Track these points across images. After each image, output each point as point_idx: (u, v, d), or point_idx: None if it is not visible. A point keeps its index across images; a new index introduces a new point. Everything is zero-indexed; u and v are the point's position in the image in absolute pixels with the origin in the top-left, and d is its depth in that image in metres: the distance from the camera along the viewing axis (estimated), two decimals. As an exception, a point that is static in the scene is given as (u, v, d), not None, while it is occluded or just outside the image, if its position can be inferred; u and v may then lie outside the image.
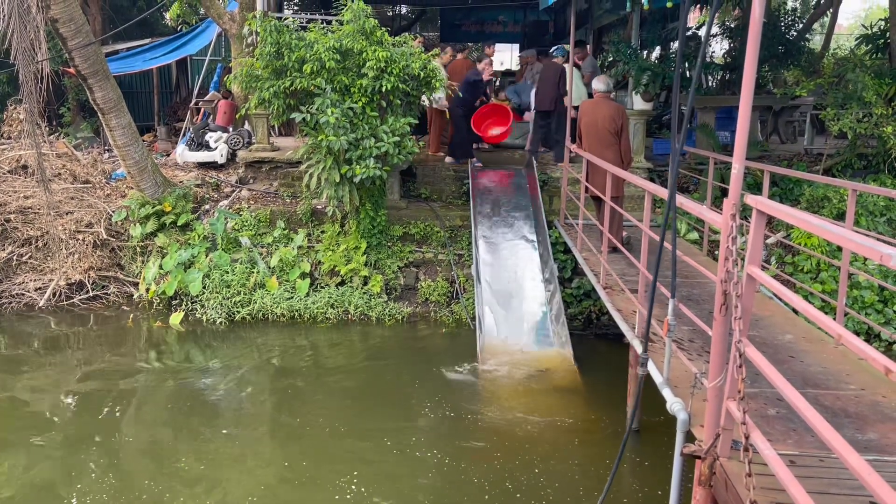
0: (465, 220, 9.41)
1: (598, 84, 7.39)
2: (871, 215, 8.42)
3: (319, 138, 8.05)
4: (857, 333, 7.24)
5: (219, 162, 11.36)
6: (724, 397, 3.02)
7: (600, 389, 6.73)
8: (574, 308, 8.51)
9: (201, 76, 15.08)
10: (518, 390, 6.74)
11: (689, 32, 13.48)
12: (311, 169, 8.50)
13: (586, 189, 7.61)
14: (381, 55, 8.11)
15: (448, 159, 10.38)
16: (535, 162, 10.13)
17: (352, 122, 8.14)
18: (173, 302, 8.88)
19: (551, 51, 10.71)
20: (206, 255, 9.08)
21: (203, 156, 11.42)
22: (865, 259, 7.80)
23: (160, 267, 9.03)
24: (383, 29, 8.51)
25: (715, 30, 13.93)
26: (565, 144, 8.87)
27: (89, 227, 9.64)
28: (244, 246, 9.22)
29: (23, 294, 9.08)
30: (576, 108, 8.98)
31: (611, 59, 12.33)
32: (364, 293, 8.68)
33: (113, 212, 9.87)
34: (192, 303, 8.73)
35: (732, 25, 13.48)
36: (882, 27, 10.97)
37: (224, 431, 5.98)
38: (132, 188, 10.06)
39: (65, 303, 9.03)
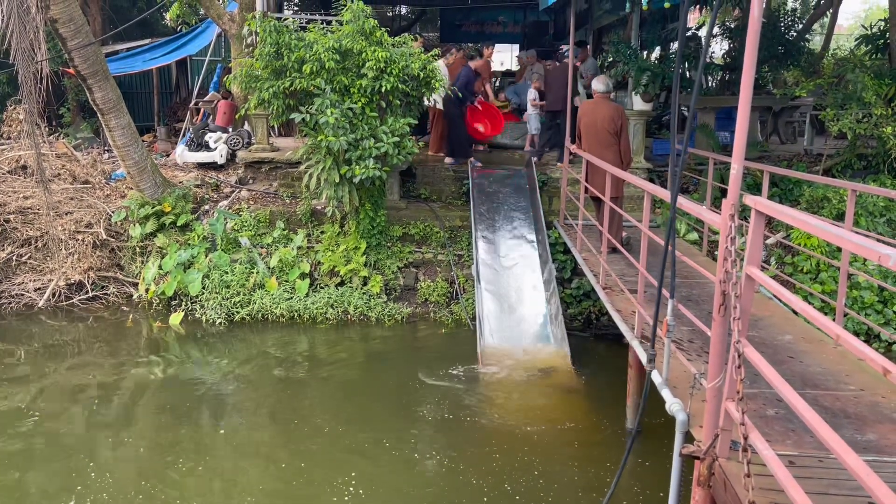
0: (464, 221, 9.41)
1: (598, 84, 7.39)
2: (870, 216, 8.42)
3: (319, 139, 8.05)
4: (857, 334, 7.24)
5: (218, 162, 11.36)
6: (723, 398, 3.01)
7: (599, 390, 6.73)
8: (573, 308, 8.50)
9: (201, 76, 15.08)
10: (517, 391, 6.74)
11: (689, 33, 13.47)
12: (311, 169, 8.50)
13: (586, 189, 7.61)
14: (380, 55, 8.11)
15: (448, 160, 10.39)
16: (534, 162, 10.13)
17: (351, 123, 8.14)
18: (173, 302, 8.87)
19: (562, 51, 10.76)
20: (206, 256, 9.08)
21: (203, 156, 11.42)
22: (865, 260, 7.80)
23: (160, 267, 9.03)
24: (383, 29, 8.51)
25: (715, 30, 13.92)
26: (565, 145, 8.88)
27: (89, 228, 9.64)
28: (244, 246, 9.21)
29: (22, 294, 9.08)
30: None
31: (610, 59, 12.32)
32: (363, 294, 8.68)
33: (112, 212, 9.87)
34: (191, 303, 8.73)
35: (732, 26, 13.47)
36: (882, 27, 10.97)
37: (222, 432, 5.97)
38: (132, 188, 10.06)
39: (64, 303, 9.03)
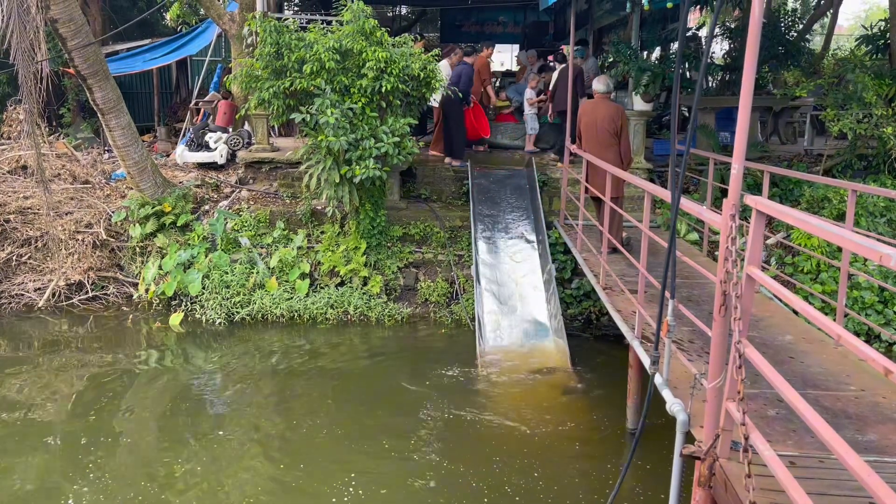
0: (464, 221, 9.40)
1: (598, 85, 7.39)
2: (871, 216, 8.41)
3: (319, 139, 8.05)
4: (857, 334, 7.23)
5: (218, 162, 11.36)
6: (724, 398, 3.01)
7: (599, 390, 6.73)
8: (574, 309, 8.50)
9: (201, 77, 15.08)
10: (517, 391, 6.74)
11: (689, 33, 13.47)
12: (311, 169, 8.50)
13: (586, 189, 7.61)
14: (380, 56, 8.10)
15: (448, 160, 10.38)
16: (534, 162, 10.13)
17: (351, 123, 8.13)
18: (173, 302, 8.87)
19: (564, 51, 10.75)
20: (206, 256, 9.08)
21: (203, 156, 11.41)
22: (865, 260, 7.79)
23: (160, 267, 9.03)
24: (383, 29, 8.51)
25: (715, 30, 13.91)
26: (565, 145, 8.87)
27: (89, 228, 9.64)
28: (244, 246, 9.21)
29: (22, 294, 9.08)
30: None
31: (611, 59, 12.32)
32: (364, 294, 8.68)
33: (112, 212, 9.86)
34: (191, 303, 8.73)
35: (732, 26, 13.46)
36: (882, 28, 10.97)
37: (221, 433, 5.96)
38: (132, 188, 10.06)
39: (64, 303, 9.02)
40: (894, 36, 10.37)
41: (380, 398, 6.66)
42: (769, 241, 8.55)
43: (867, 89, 8.94)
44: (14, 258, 9.34)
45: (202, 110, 13.62)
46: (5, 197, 9.95)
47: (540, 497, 5.00)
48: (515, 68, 17.96)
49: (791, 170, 9.20)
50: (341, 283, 8.85)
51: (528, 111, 10.96)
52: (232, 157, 11.49)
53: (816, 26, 18.39)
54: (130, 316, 8.74)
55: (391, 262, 8.98)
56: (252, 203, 10.05)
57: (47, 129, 12.05)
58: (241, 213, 9.69)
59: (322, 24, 8.91)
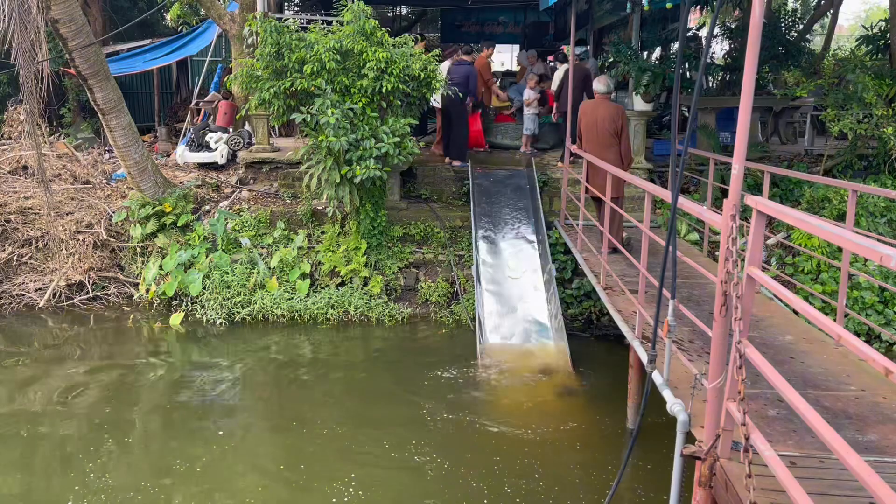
0: (465, 221, 9.41)
1: (599, 85, 7.39)
2: (871, 216, 8.42)
3: (320, 139, 8.06)
4: (858, 334, 7.23)
5: (219, 163, 11.36)
6: (725, 398, 3.01)
7: (600, 391, 6.73)
8: (574, 309, 8.50)
9: (202, 77, 15.09)
10: (517, 392, 6.74)
11: (689, 33, 13.47)
12: (312, 170, 8.50)
13: (586, 190, 7.61)
14: (381, 56, 8.11)
15: (449, 160, 10.37)
16: (534, 162, 10.14)
17: (352, 123, 8.14)
18: (173, 303, 8.87)
19: (577, 53, 10.77)
20: (207, 256, 9.08)
21: (203, 156, 11.42)
22: (866, 260, 7.80)
23: (160, 267, 9.03)
24: (383, 29, 8.51)
25: (715, 30, 13.92)
26: (566, 145, 8.88)
27: (89, 228, 9.64)
28: (244, 246, 9.22)
29: (23, 295, 9.08)
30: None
31: (611, 59, 12.33)
32: (364, 294, 8.68)
33: (113, 212, 9.87)
34: (192, 303, 8.73)
35: (732, 26, 13.47)
36: (882, 28, 10.97)
37: (220, 433, 5.96)
38: (132, 189, 10.06)
39: (65, 303, 9.03)
40: (895, 36, 10.37)
41: (380, 398, 6.67)
42: (769, 242, 8.55)
43: (867, 89, 8.95)
44: (15, 258, 9.35)
45: (203, 110, 13.63)
46: (6, 197, 9.96)
47: (540, 497, 5.00)
48: (516, 68, 17.95)
49: (791, 170, 9.20)
50: (342, 284, 8.86)
51: (527, 112, 10.96)
52: (232, 158, 11.49)
53: (817, 26, 18.40)
54: (131, 316, 8.75)
55: (392, 263, 8.99)
56: (252, 203, 10.06)
57: (48, 130, 12.06)
58: (241, 213, 9.70)
59: (322, 24, 8.91)
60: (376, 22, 8.46)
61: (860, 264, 7.59)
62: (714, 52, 15.51)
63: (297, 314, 8.50)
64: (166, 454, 5.63)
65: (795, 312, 5.50)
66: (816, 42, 20.11)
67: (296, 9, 19.33)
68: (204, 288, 8.72)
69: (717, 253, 7.88)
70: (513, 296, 8.11)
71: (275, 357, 7.61)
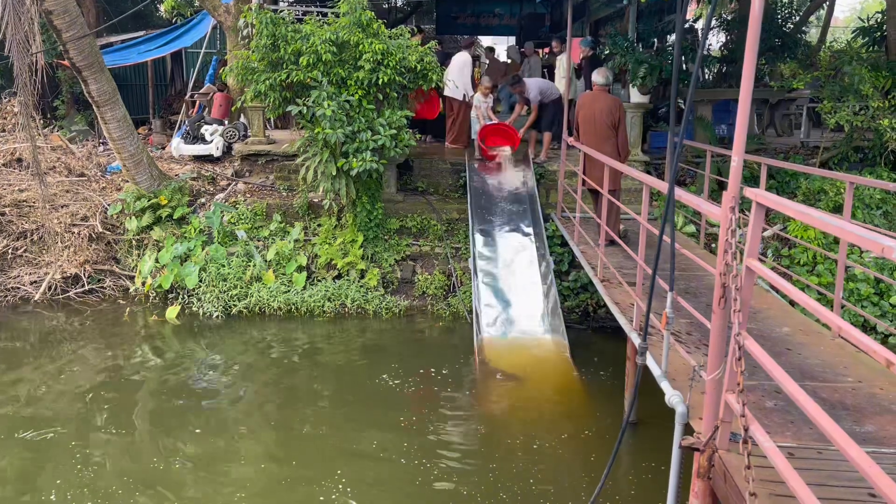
0: (461, 214, 9.40)
1: (597, 77, 7.37)
2: (867, 208, 8.43)
3: (316, 131, 8.03)
4: (853, 326, 7.26)
5: (214, 155, 11.32)
6: (723, 390, 3.02)
7: (598, 383, 6.75)
8: (571, 301, 8.51)
9: (196, 69, 15.01)
10: (515, 384, 6.75)
11: (687, 25, 13.45)
12: (308, 162, 8.47)
13: (583, 182, 7.61)
14: (377, 47, 8.08)
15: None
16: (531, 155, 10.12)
17: (348, 115, 8.11)
18: (169, 295, 8.86)
19: (579, 42, 10.72)
20: (203, 249, 9.05)
21: (199, 149, 11.38)
22: (862, 252, 7.82)
23: (156, 260, 9.00)
24: (380, 21, 8.48)
25: (712, 22, 13.89)
26: (562, 137, 8.86)
27: (85, 221, 9.61)
28: (240, 239, 9.19)
29: (18, 288, 9.05)
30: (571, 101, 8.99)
31: (607, 51, 12.30)
32: (361, 286, 8.67)
33: (108, 205, 9.83)
34: (188, 296, 8.71)
35: (729, 18, 13.46)
36: (878, 20, 10.97)
37: (216, 426, 5.96)
38: (127, 181, 10.03)
39: (60, 296, 9.00)
40: (891, 28, 10.37)
41: (376, 391, 6.66)
42: (765, 234, 8.56)
43: (864, 81, 8.94)
44: (10, 251, 9.31)
45: (198, 102, 13.58)
46: (1, 190, 9.91)
47: (540, 487, 5.02)
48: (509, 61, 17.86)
49: (787, 162, 9.21)
50: (338, 276, 8.85)
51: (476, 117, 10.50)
52: (228, 150, 11.45)
53: (813, 18, 18.41)
54: (127, 309, 8.73)
55: (388, 255, 8.98)
56: (248, 196, 10.03)
57: (42, 122, 11.99)
58: (237, 205, 9.67)
59: (318, 15, 8.87)
60: (372, 13, 8.42)
61: (856, 256, 7.61)
62: (711, 44, 15.50)
63: (293, 307, 8.49)
64: (160, 448, 5.61)
65: (792, 304, 5.51)
66: (812, 34, 20.10)
67: (291, 0, 19.24)
68: (200, 281, 8.70)
69: (713, 245, 7.90)
70: (510, 288, 8.11)
71: (271, 350, 7.60)
